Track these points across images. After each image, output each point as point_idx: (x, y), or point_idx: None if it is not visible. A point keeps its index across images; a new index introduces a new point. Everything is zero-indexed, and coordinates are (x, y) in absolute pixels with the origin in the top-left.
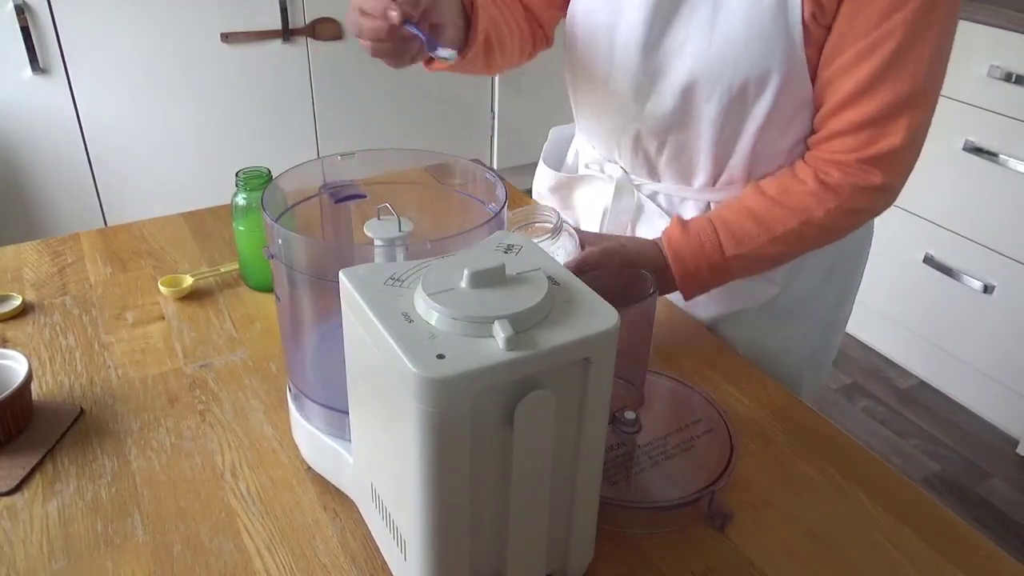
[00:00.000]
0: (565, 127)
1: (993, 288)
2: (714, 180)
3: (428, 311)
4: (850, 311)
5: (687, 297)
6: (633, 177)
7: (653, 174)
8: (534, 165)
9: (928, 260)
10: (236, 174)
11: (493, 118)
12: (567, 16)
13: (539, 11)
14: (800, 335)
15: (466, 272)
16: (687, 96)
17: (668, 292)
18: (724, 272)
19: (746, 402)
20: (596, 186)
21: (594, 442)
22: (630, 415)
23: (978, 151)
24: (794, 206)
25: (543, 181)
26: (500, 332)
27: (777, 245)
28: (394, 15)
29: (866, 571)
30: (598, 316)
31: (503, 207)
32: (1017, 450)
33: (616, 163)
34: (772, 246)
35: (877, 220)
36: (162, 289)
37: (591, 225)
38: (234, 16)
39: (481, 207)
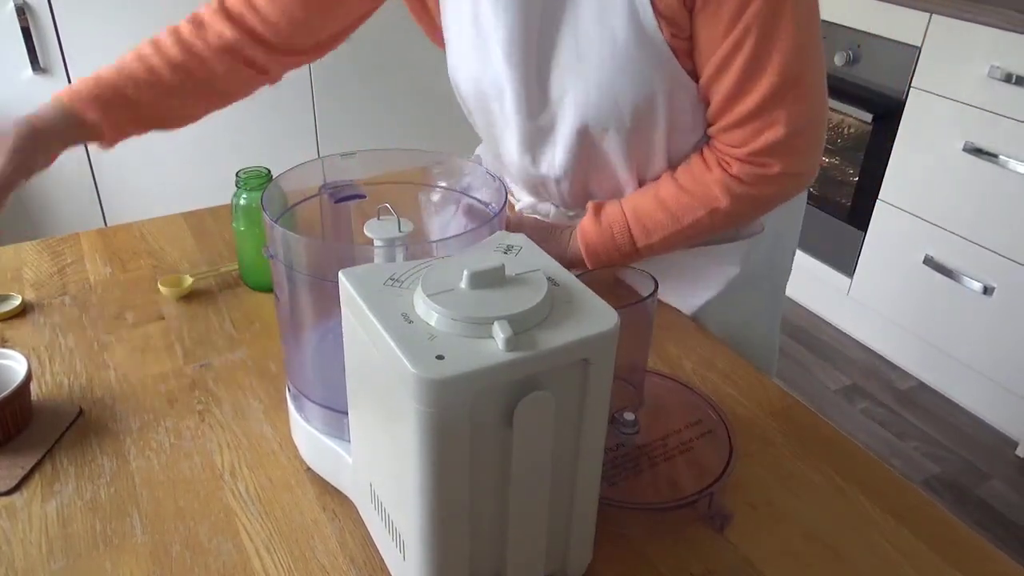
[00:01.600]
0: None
1: (993, 289)
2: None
3: (428, 312)
4: (787, 280)
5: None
6: (566, 210)
7: (583, 202)
8: None
9: (928, 261)
10: (236, 174)
11: None
12: (452, 84)
13: (268, 64)
14: (762, 305)
15: (466, 273)
16: (585, 139)
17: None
18: (634, 258)
19: (745, 403)
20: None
21: (594, 442)
22: (630, 416)
23: (978, 152)
24: (702, 195)
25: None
26: (500, 333)
27: (685, 234)
28: None
29: (865, 572)
30: (598, 317)
31: (503, 207)
32: (1016, 452)
33: (547, 201)
34: (680, 235)
35: (875, 221)
36: (162, 289)
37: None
38: None
39: (481, 207)
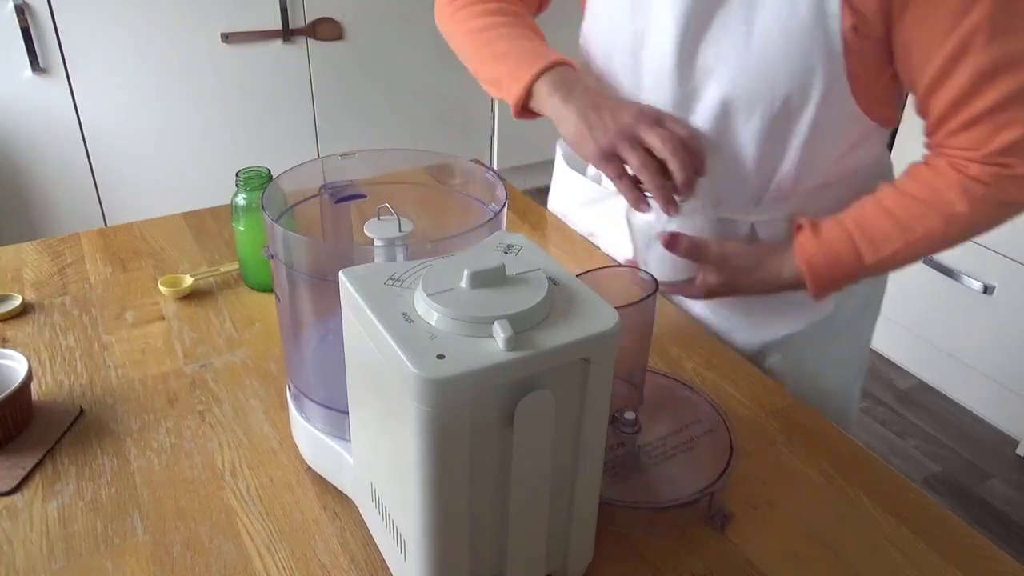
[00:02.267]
0: None
1: (993, 288)
2: (759, 199)
3: (428, 311)
4: (870, 341)
5: (817, 298)
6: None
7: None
8: (534, 165)
9: (928, 260)
10: (236, 174)
11: (493, 118)
12: (581, 37)
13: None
14: (845, 355)
15: (466, 272)
16: (725, 117)
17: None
18: (860, 276)
19: (746, 402)
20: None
21: (594, 442)
22: (630, 415)
23: None
24: (936, 201)
25: (573, 193)
26: (500, 332)
27: (917, 247)
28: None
29: (866, 571)
30: (598, 316)
31: (503, 207)
32: (1017, 451)
33: None
34: (911, 248)
35: None
36: (162, 289)
37: (626, 241)
38: (234, 16)
39: (481, 207)
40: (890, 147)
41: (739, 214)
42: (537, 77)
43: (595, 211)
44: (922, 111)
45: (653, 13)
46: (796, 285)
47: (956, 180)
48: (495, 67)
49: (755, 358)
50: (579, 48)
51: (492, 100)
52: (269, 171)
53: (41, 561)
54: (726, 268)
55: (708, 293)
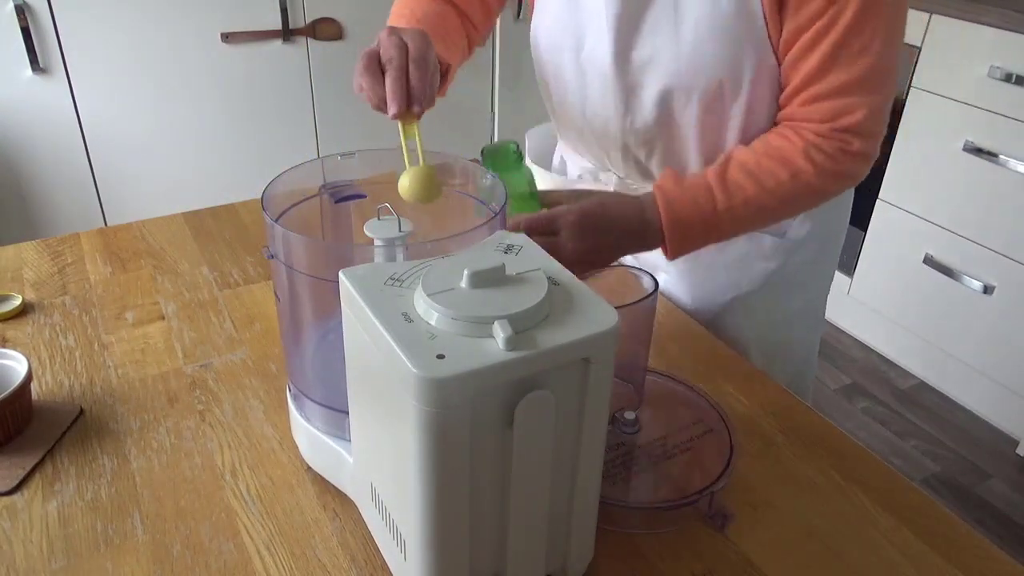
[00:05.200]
0: (541, 128)
1: (993, 288)
2: None
3: (428, 311)
4: (827, 297)
5: (671, 255)
6: (628, 182)
7: (647, 176)
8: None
9: (928, 260)
10: (481, 152)
11: (493, 118)
12: (532, 44)
13: (474, 16)
14: (803, 306)
15: (466, 272)
16: (665, 106)
17: (645, 250)
18: (714, 227)
19: (746, 402)
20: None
21: (594, 442)
22: (630, 415)
23: (978, 151)
24: (784, 160)
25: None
26: (500, 332)
27: (766, 202)
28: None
29: (866, 571)
30: (598, 316)
31: (503, 207)
32: (1017, 450)
33: (609, 171)
34: (761, 202)
35: (876, 220)
36: None
37: None
38: (234, 16)
39: (481, 207)
40: (889, 148)
41: None
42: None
43: None
44: (783, 82)
45: (590, 14)
46: (654, 227)
47: (801, 146)
48: None
49: (722, 319)
50: (531, 47)
51: (492, 100)
52: (516, 145)
53: (41, 561)
54: (585, 228)
55: (571, 261)
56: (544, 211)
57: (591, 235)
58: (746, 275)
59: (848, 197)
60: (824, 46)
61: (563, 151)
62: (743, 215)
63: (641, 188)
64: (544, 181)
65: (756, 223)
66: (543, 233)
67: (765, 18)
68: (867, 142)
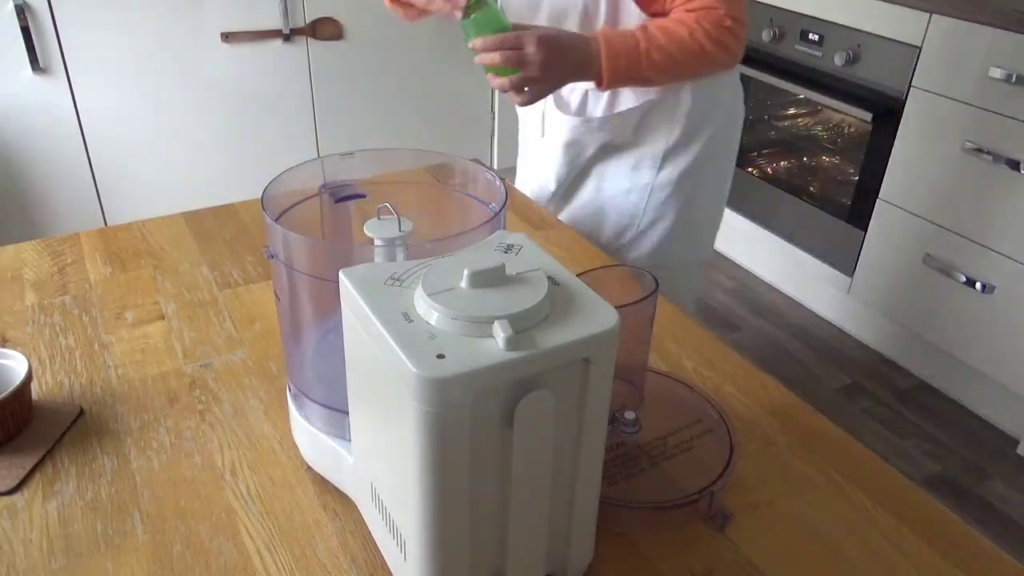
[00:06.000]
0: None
1: (993, 288)
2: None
3: (428, 311)
4: (722, 210)
5: (606, 83)
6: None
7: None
8: None
9: (928, 260)
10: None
11: (493, 118)
12: None
13: None
14: (711, 182)
15: (466, 272)
16: (555, 22)
17: (587, 78)
18: (637, 63)
19: (746, 402)
20: (557, 123)
21: (594, 442)
22: (630, 415)
23: (978, 151)
24: (682, 23)
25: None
26: (500, 332)
27: (673, 48)
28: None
29: (866, 571)
30: (598, 316)
31: (503, 207)
32: (1017, 450)
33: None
34: (669, 48)
35: (876, 220)
36: None
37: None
38: (234, 16)
39: (481, 207)
40: (890, 148)
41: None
42: None
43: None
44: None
45: None
46: (596, 62)
47: (693, 18)
48: None
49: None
50: None
51: (492, 100)
52: None
53: (41, 561)
54: (548, 45)
55: (537, 69)
56: (512, 32)
57: (552, 51)
58: (664, 134)
59: (727, 120)
60: None
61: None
62: (657, 59)
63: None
64: (532, 143)
65: (667, 70)
66: (512, 47)
67: None
68: (735, 23)
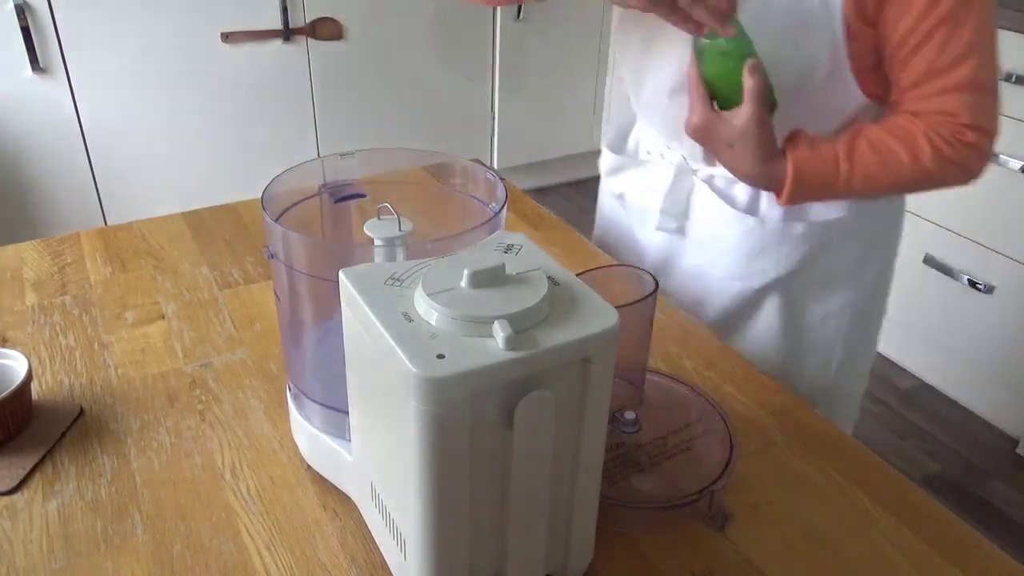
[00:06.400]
0: (624, 113)
1: (993, 288)
2: None
3: (428, 311)
4: (885, 303)
5: (785, 205)
6: (691, 163)
7: (710, 159)
8: (534, 165)
9: (928, 260)
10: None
11: (493, 118)
12: (618, 20)
13: None
14: (838, 306)
15: (466, 272)
16: None
17: (762, 187)
18: (831, 191)
19: (746, 402)
20: (656, 170)
21: (594, 442)
22: (630, 415)
23: None
24: (905, 138)
25: (604, 163)
26: (500, 332)
27: (885, 176)
28: None
29: (866, 571)
30: (598, 316)
31: (503, 207)
32: (1017, 450)
33: (675, 150)
34: (881, 176)
35: None
36: None
37: (650, 206)
38: (234, 16)
39: (481, 207)
40: None
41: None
42: None
43: (617, 178)
44: (890, 76)
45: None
46: (779, 183)
47: (923, 128)
48: None
49: (746, 312)
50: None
51: (492, 100)
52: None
53: (41, 561)
54: (759, 129)
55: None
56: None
57: (753, 140)
58: (778, 255)
59: (901, 208)
60: (928, 48)
61: (639, 129)
62: (859, 187)
63: (701, 170)
64: (608, 161)
65: (866, 195)
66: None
67: (847, 21)
68: (980, 136)
